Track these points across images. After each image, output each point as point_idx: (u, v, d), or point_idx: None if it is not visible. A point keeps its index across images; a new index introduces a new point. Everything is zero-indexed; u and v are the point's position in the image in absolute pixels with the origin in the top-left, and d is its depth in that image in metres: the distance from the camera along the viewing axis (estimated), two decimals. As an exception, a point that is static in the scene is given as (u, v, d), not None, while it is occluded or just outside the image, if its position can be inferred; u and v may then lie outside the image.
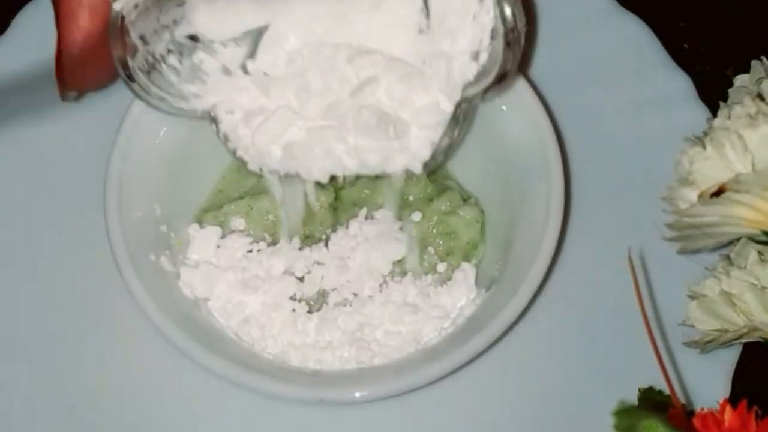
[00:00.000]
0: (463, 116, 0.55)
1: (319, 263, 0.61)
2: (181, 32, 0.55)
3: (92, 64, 0.55)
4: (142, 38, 0.54)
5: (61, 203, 0.65)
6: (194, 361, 0.55)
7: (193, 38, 0.56)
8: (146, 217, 0.59)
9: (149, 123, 0.59)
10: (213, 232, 0.62)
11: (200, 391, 0.60)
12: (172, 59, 0.56)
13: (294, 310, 0.60)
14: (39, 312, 0.62)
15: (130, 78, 0.55)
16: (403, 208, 0.63)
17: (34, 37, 0.67)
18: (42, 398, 0.60)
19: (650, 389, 0.56)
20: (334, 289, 0.61)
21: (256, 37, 0.56)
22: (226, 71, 0.56)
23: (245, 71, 0.56)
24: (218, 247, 0.62)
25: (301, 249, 0.61)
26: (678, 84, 0.67)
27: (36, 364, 0.61)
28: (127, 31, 0.54)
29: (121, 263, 0.56)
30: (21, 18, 0.68)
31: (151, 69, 0.55)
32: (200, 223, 0.63)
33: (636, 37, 0.68)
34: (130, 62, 0.54)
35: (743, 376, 0.61)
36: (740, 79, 0.60)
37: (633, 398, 0.56)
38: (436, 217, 0.63)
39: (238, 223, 0.62)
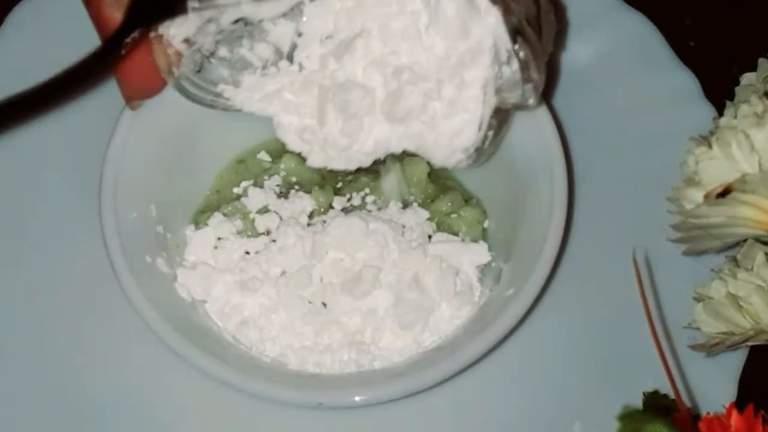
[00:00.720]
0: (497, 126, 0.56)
1: (318, 264, 0.61)
2: (227, 19, 0.55)
3: (149, 78, 0.56)
4: (187, 41, 0.55)
5: (55, 204, 0.65)
6: (191, 365, 0.54)
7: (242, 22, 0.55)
8: (142, 218, 0.59)
9: (145, 123, 0.59)
10: (210, 233, 0.62)
11: (197, 395, 0.60)
12: (222, 50, 0.56)
13: (294, 311, 0.59)
14: (32, 315, 0.62)
15: (180, 84, 0.56)
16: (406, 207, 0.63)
17: (26, 35, 0.67)
18: (35, 401, 0.60)
19: (655, 393, 0.56)
20: (333, 292, 0.60)
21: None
22: (278, 53, 0.56)
23: (292, 53, 0.56)
24: (215, 248, 0.62)
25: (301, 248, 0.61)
26: (683, 82, 0.67)
27: (29, 367, 0.61)
28: (169, 42, 0.54)
29: (117, 265, 0.56)
30: (13, 16, 0.68)
31: (201, 68, 0.56)
32: (197, 224, 0.63)
33: (640, 34, 0.68)
34: (176, 71, 0.55)
35: (750, 379, 0.61)
36: (747, 77, 0.60)
37: (638, 402, 0.56)
38: (437, 218, 0.63)
39: (236, 224, 0.62)
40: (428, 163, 0.62)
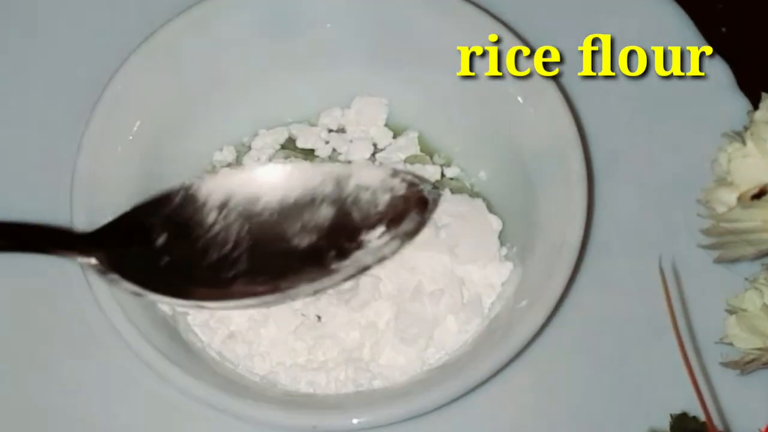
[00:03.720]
0: None
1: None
2: None
3: None
4: None
5: (22, 202, 0.63)
6: (171, 384, 0.54)
7: None
8: (119, 221, 0.59)
9: (122, 116, 0.59)
10: (194, 238, 0.61)
11: (179, 416, 0.59)
12: None
13: (286, 324, 0.59)
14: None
15: None
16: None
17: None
18: (6, 421, 0.60)
19: (684, 415, 0.56)
20: (328, 303, 0.59)
21: None
22: None
23: None
24: (200, 254, 0.61)
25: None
26: (715, 72, 0.66)
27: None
28: None
29: (90, 273, 0.55)
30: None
31: None
32: (180, 228, 0.62)
33: (669, 20, 0.68)
34: None
35: (788, 400, 0.60)
36: (785, 67, 0.60)
37: (664, 425, 0.56)
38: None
39: (223, 228, 0.62)
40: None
